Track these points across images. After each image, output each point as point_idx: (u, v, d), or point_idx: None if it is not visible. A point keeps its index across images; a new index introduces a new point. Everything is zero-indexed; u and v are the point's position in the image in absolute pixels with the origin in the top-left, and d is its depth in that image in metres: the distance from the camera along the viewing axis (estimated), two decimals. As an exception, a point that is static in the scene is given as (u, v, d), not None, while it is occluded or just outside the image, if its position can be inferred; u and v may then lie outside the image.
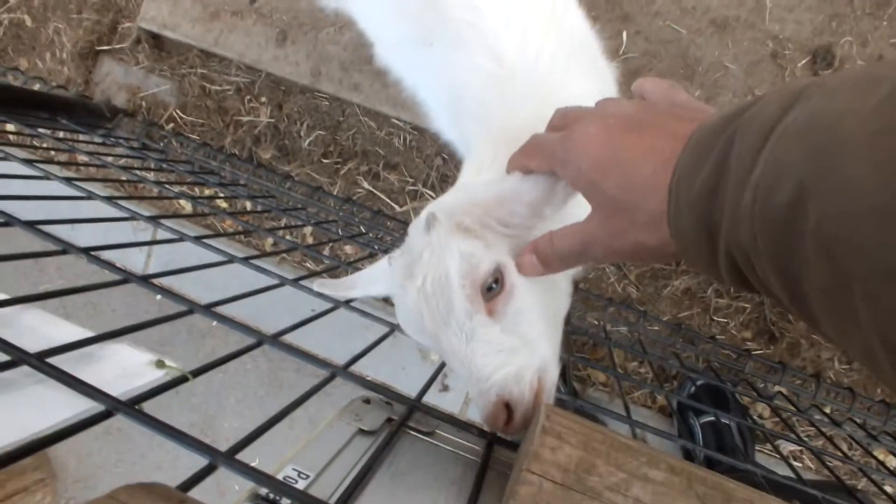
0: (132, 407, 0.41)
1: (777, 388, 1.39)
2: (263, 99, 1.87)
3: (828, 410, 1.38)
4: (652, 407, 1.67)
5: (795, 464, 1.59)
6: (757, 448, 1.56)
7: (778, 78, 1.49)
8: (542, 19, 0.70)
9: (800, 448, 1.58)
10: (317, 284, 0.72)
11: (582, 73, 0.75)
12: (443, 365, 0.80)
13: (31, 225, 0.71)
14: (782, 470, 0.95)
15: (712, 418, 1.47)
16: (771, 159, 0.34)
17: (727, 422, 1.45)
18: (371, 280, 0.71)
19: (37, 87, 1.82)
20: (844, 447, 1.43)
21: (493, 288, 0.58)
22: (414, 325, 0.60)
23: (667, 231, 0.44)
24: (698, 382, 1.49)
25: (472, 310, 0.56)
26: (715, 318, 1.59)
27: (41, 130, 1.31)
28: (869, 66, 0.33)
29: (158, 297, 0.72)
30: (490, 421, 0.55)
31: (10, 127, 1.32)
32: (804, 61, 1.48)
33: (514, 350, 0.57)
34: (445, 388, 1.78)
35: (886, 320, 0.27)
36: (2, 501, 1.89)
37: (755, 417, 1.60)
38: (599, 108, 0.53)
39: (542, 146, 0.56)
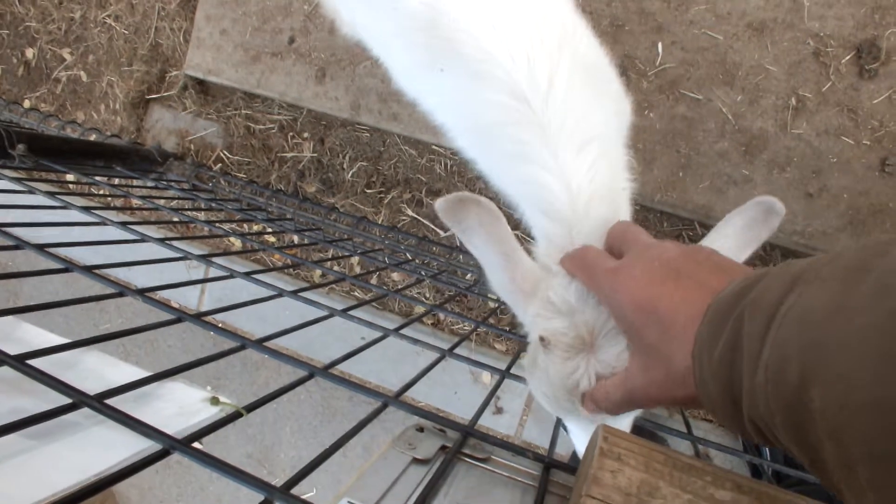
0: (188, 445, 0.42)
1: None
2: (306, 135, 1.91)
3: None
4: (713, 421, 1.61)
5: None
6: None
7: (822, 77, 1.45)
8: (552, 48, 0.69)
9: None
10: (440, 204, 0.66)
11: (598, 98, 0.74)
12: (495, 389, 0.80)
13: (89, 269, 0.74)
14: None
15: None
16: (776, 344, 0.36)
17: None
18: (505, 262, 0.69)
19: (93, 137, 1.90)
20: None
21: None
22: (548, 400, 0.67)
23: (694, 388, 0.46)
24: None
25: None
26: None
27: (98, 178, 1.37)
28: (858, 249, 0.34)
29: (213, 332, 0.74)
30: None
31: (70, 177, 1.38)
32: (848, 57, 1.43)
33: None
34: (499, 410, 1.76)
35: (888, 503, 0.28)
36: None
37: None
38: (648, 250, 0.56)
39: (592, 270, 0.60)
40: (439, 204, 0.66)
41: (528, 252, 0.71)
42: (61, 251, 0.82)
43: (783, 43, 1.46)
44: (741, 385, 0.40)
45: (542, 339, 0.65)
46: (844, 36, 1.43)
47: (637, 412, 0.70)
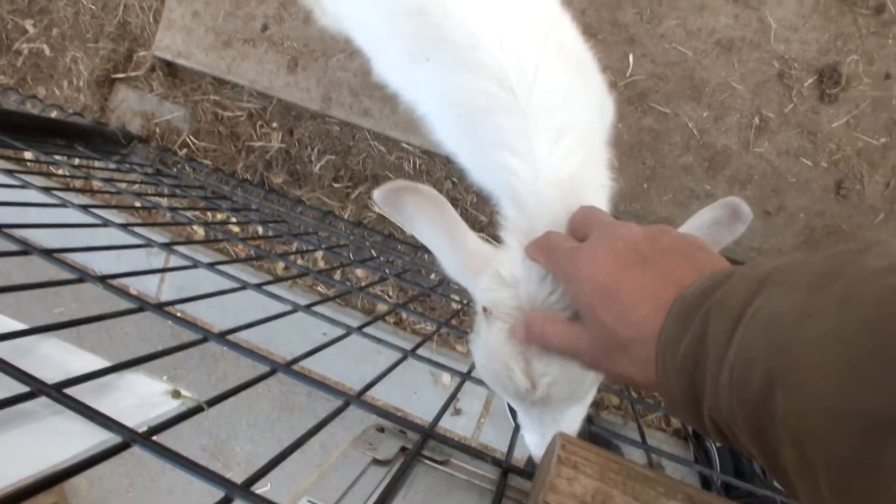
0: (149, 438, 0.42)
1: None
2: (275, 125, 1.89)
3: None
4: (667, 430, 1.65)
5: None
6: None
7: (785, 98, 1.49)
8: (539, 38, 0.70)
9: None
10: (378, 194, 0.66)
11: (581, 91, 0.75)
12: (455, 392, 0.80)
13: (48, 253, 0.72)
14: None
15: (728, 441, 1.44)
16: (741, 346, 0.36)
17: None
18: (453, 248, 0.69)
19: (54, 114, 1.85)
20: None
21: None
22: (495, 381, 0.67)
23: (653, 376, 0.46)
24: (713, 405, 1.47)
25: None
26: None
27: (58, 157, 1.33)
28: (828, 256, 0.35)
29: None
30: None
31: (28, 154, 1.34)
32: (811, 80, 1.48)
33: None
34: (458, 412, 1.77)
35: None
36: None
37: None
38: (611, 229, 0.55)
39: (554, 252, 0.59)
40: (377, 194, 0.65)
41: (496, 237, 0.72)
42: (18, 232, 0.80)
43: (750, 63, 1.50)
44: (704, 384, 0.40)
45: (484, 309, 0.66)
46: (808, 60, 1.48)
47: (584, 416, 0.71)
